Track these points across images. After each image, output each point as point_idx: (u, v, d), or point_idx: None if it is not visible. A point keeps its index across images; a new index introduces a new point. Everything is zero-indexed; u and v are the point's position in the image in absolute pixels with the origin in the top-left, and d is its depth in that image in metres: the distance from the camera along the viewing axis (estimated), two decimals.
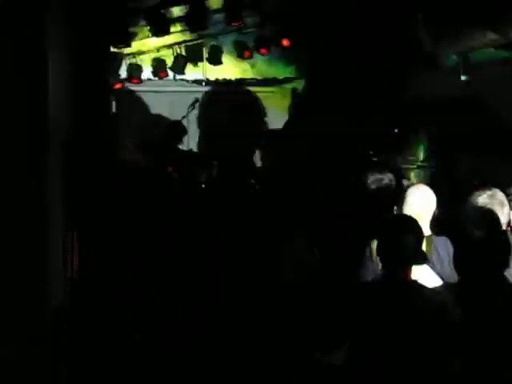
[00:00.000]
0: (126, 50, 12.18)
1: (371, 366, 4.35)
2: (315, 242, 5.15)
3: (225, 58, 12.78)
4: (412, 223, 4.65)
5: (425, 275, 4.81)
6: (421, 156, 10.25)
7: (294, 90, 13.05)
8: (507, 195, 5.24)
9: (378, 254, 4.62)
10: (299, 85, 13.06)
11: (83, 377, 4.65)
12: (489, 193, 5.12)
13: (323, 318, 4.58)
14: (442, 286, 4.73)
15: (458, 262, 4.56)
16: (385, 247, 4.57)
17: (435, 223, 5.44)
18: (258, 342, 4.60)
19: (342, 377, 4.39)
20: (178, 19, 11.78)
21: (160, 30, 11.62)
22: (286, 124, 12.58)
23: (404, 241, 4.51)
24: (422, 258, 4.63)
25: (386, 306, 4.44)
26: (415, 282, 4.54)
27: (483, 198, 5.09)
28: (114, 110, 10.86)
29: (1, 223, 4.57)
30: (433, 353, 4.29)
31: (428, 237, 5.18)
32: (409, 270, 4.52)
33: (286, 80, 13.18)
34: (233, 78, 13.12)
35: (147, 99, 12.92)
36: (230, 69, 13.05)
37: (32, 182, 4.59)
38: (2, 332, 4.45)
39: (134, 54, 12.57)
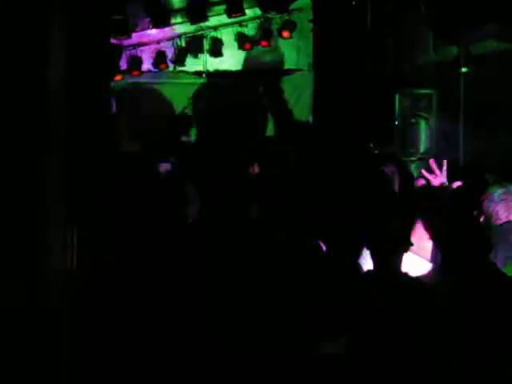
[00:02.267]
0: (127, 42, 12.18)
1: (370, 358, 4.36)
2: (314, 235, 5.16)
3: (225, 50, 12.77)
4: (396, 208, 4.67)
5: (414, 262, 4.80)
6: (421, 148, 10.22)
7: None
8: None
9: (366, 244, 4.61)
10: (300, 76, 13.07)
11: (83, 375, 4.67)
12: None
13: (321, 308, 4.58)
14: (432, 272, 4.72)
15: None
16: (371, 235, 4.55)
17: None
18: (257, 333, 4.62)
19: (340, 367, 4.40)
20: (179, 10, 11.80)
21: (160, 21, 11.64)
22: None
23: (388, 227, 4.48)
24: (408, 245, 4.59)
25: (379, 299, 4.44)
26: (406, 273, 4.51)
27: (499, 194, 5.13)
28: (114, 102, 10.87)
29: (0, 219, 4.57)
30: (431, 344, 4.30)
31: None
32: (398, 259, 4.48)
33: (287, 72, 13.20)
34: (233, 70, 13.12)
35: (148, 91, 12.94)
36: (231, 60, 13.05)
37: (32, 177, 4.59)
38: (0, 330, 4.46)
39: (134, 46, 12.56)
